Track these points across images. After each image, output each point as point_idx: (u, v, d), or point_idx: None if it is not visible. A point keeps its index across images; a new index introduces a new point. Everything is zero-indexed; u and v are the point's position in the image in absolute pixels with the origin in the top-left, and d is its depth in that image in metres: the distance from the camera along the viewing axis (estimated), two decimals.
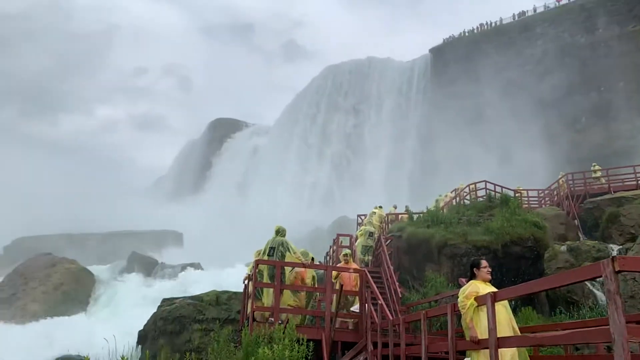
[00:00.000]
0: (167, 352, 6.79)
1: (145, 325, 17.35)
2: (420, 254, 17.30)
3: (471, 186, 23.82)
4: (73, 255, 39.82)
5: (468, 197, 23.61)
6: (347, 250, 12.69)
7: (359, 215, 25.08)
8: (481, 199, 22.07)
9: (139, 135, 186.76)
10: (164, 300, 18.11)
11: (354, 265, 11.99)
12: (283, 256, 11.05)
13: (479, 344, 5.66)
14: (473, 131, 51.76)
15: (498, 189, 22.43)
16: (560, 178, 26.63)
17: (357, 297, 11.37)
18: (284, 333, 8.14)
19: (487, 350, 5.30)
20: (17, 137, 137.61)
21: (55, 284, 30.38)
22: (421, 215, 20.44)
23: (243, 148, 75.62)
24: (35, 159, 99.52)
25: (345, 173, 60.48)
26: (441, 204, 23.99)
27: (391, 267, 15.33)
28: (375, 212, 22.30)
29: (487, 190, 22.53)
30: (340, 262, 12.20)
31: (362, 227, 20.27)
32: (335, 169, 61.89)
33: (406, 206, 25.47)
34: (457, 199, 23.78)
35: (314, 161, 63.59)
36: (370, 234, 18.98)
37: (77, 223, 58.05)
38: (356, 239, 19.16)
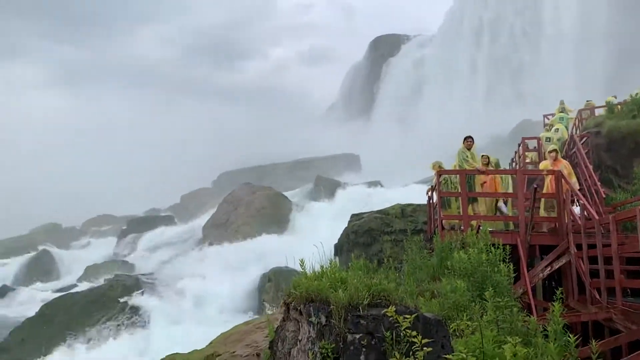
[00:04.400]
0: (364, 260, 7.32)
1: (339, 239, 18.89)
2: (624, 149, 15.30)
3: None
4: (267, 183, 44.60)
5: None
6: (554, 146, 11.84)
7: (545, 116, 22.89)
8: None
9: (309, 69, 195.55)
10: (353, 215, 19.36)
11: (563, 162, 11.14)
12: (462, 165, 10.87)
13: None
14: None
15: None
16: None
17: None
18: (477, 238, 8.11)
19: None
20: (212, 88, 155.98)
21: (258, 208, 34.73)
22: (622, 106, 17.81)
23: (407, 62, 73.37)
24: (228, 104, 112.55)
25: (524, 71, 54.61)
26: None
27: (590, 167, 13.90)
28: (563, 117, 19.81)
29: None
30: (546, 159, 11.42)
31: (542, 134, 18.49)
32: (511, 68, 56.19)
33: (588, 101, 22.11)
34: None
35: (486, 63, 58.60)
36: (547, 139, 17.24)
37: (266, 155, 64.42)
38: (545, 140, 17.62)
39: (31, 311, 24.05)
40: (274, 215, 34.10)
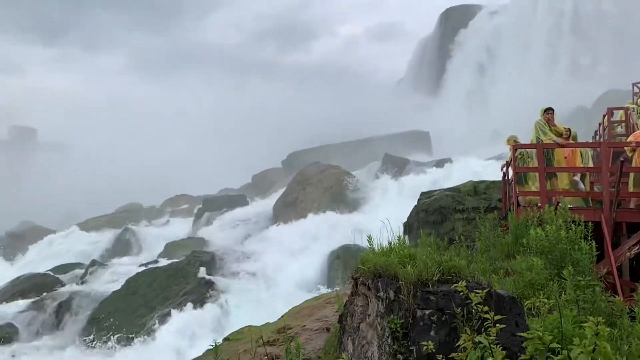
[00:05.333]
0: (434, 237, 7.16)
1: (408, 217, 18.64)
2: None
3: None
4: (335, 161, 44.73)
5: None
6: None
7: (634, 84, 21.13)
8: None
9: (377, 45, 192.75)
10: (423, 193, 19.00)
11: None
12: (539, 138, 10.25)
13: None
14: None
15: None
16: None
17: None
18: (555, 215, 7.69)
19: None
20: (280, 69, 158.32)
21: (326, 186, 35.06)
22: None
23: (480, 33, 70.08)
24: (296, 84, 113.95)
25: (610, 36, 50.43)
26: None
27: None
28: None
29: None
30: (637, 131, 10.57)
31: (627, 103, 17.01)
32: (596, 33, 52.03)
33: None
34: None
35: (567, 29, 54.69)
36: (633, 110, 15.83)
37: (334, 134, 64.54)
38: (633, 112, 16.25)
39: (117, 284, 25.90)
40: (342, 194, 34.28)
